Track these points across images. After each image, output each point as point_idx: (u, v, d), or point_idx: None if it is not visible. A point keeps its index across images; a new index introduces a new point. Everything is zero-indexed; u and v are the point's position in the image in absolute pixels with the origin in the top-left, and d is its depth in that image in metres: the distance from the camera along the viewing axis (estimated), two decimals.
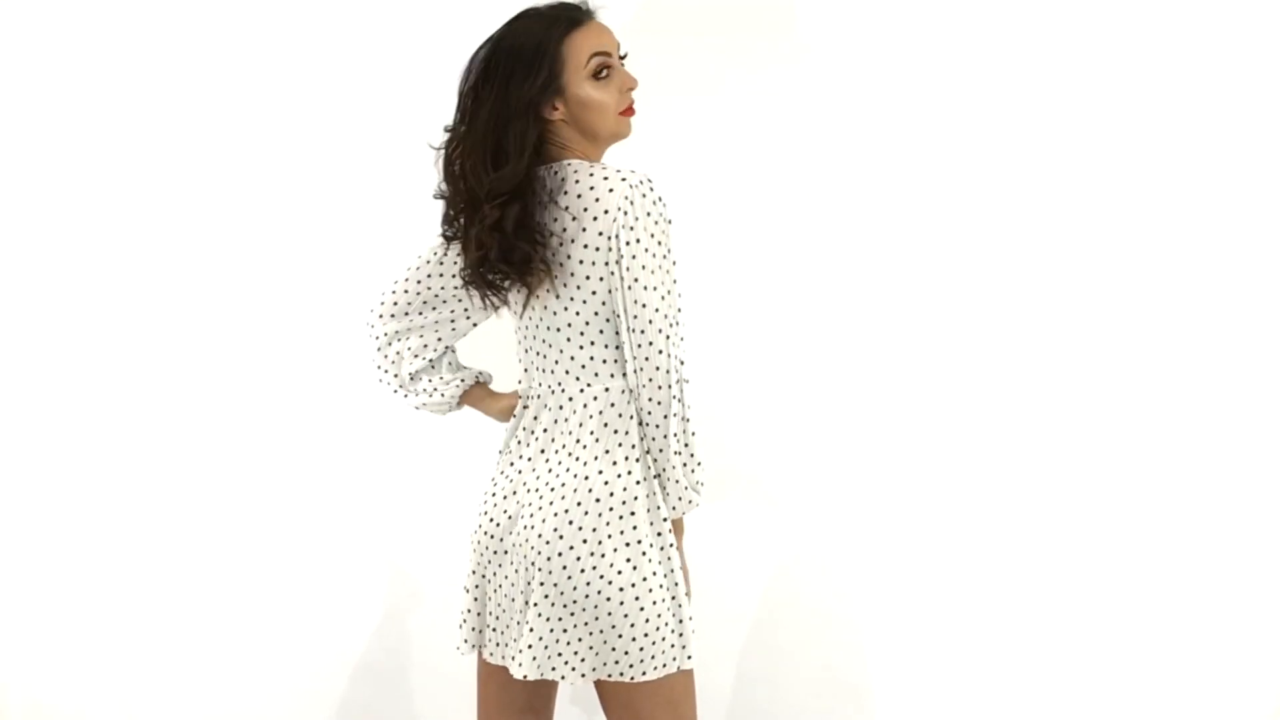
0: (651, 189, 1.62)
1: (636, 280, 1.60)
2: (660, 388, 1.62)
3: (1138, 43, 2.17)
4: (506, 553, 1.72)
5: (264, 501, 2.46)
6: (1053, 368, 2.24)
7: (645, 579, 1.63)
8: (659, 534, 1.66)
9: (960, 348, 2.26)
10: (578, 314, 1.65)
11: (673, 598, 1.67)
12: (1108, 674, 2.25)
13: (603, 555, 1.62)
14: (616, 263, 1.60)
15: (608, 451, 1.65)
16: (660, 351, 1.62)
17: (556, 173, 1.65)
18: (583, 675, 1.66)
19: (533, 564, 1.65)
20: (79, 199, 2.45)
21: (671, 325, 1.63)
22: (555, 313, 1.67)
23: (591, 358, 1.67)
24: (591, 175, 1.63)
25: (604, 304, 1.64)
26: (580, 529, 1.63)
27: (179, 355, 2.45)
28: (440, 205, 1.73)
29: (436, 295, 1.81)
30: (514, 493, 1.72)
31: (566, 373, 1.69)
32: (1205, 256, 2.19)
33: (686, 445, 1.67)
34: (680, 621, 1.67)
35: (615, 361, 1.67)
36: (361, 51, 2.36)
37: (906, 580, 2.31)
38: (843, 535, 2.32)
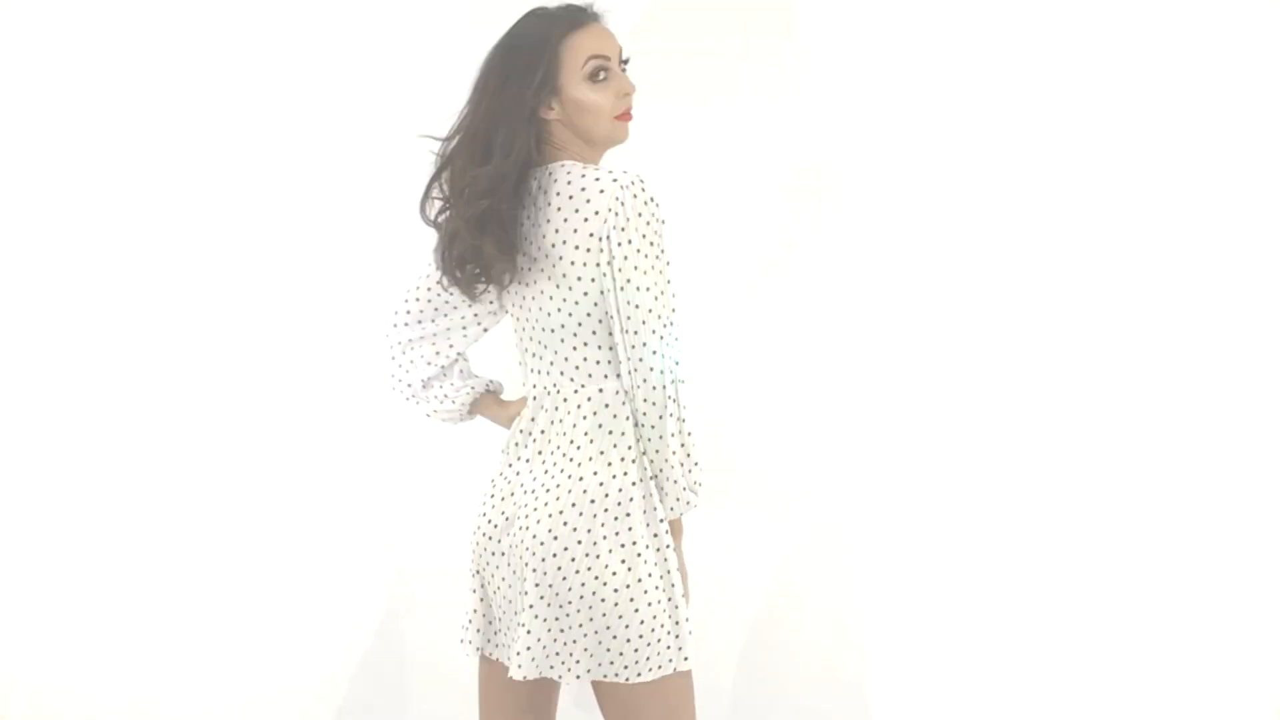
0: (644, 189, 1.61)
1: (629, 281, 1.60)
2: (655, 388, 1.62)
3: (1138, 43, 2.16)
4: (504, 554, 1.72)
5: (264, 503, 2.47)
6: (1052, 369, 2.23)
7: (640, 580, 1.63)
8: (655, 535, 1.66)
9: (959, 348, 2.26)
10: (571, 315, 1.65)
11: (669, 599, 1.66)
12: (1108, 674, 2.25)
13: (597, 557, 1.62)
14: (608, 264, 1.60)
15: (603, 453, 1.65)
16: (654, 352, 1.62)
17: (550, 173, 1.65)
18: (578, 676, 1.66)
19: (528, 565, 1.65)
20: (81, 201, 2.45)
21: (665, 325, 1.62)
22: (549, 314, 1.67)
23: (585, 359, 1.67)
24: (584, 176, 1.63)
25: (596, 305, 1.64)
26: (575, 530, 1.63)
27: (181, 357, 2.46)
28: None
29: (447, 302, 1.82)
30: (511, 494, 1.73)
31: (561, 374, 1.69)
32: (1205, 256, 2.18)
33: (683, 446, 1.66)
34: (677, 623, 1.67)
35: (610, 363, 1.67)
36: (369, 54, 2.36)
37: (907, 580, 2.30)
38: (843, 535, 2.32)
